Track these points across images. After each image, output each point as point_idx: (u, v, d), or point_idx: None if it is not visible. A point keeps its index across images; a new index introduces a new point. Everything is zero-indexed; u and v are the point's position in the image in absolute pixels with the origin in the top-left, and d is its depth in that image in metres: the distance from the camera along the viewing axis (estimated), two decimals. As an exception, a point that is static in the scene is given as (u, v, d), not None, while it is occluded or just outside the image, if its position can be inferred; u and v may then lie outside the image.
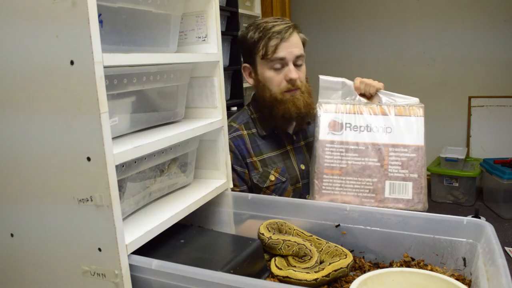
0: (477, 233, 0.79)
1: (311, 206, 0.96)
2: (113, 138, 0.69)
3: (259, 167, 1.24)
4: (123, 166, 0.75)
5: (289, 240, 0.86)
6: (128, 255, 0.69)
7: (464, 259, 0.81)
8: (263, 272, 0.83)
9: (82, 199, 0.67)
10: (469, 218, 0.81)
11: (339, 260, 0.80)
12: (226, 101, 1.96)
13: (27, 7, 0.65)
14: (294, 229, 0.92)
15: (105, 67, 0.63)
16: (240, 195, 1.01)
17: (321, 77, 1.16)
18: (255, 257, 0.82)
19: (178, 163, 0.94)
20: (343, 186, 1.05)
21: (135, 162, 0.78)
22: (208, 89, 0.99)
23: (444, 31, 3.63)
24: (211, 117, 1.00)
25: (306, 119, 1.27)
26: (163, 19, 0.87)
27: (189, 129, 0.87)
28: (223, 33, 2.70)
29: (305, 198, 1.29)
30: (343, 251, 0.85)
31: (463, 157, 3.37)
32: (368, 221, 0.89)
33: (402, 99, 1.12)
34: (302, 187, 1.29)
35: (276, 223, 0.92)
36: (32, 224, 0.75)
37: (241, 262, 0.78)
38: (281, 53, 1.20)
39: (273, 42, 1.20)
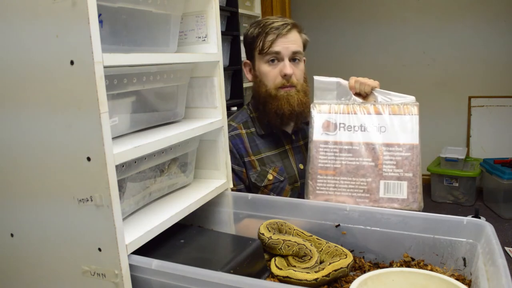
0: (477, 233, 0.79)
1: (311, 206, 0.96)
2: (113, 138, 0.69)
3: (257, 166, 1.25)
4: (123, 166, 0.75)
5: (289, 240, 0.86)
6: (128, 255, 0.69)
7: (464, 259, 0.81)
8: (263, 272, 0.83)
9: (82, 199, 0.67)
10: (469, 218, 0.81)
11: (339, 260, 0.80)
12: (226, 101, 1.96)
13: (27, 7, 0.65)
14: (294, 229, 0.92)
15: (105, 67, 0.63)
16: (240, 195, 1.01)
17: (316, 78, 1.16)
18: (255, 257, 0.82)
19: (178, 163, 0.94)
20: (337, 186, 1.05)
21: (135, 162, 0.78)
22: (208, 89, 0.99)
23: (444, 31, 3.63)
24: (211, 117, 1.00)
25: (301, 118, 1.28)
26: (163, 19, 0.87)
27: (189, 129, 0.87)
28: (223, 33, 2.70)
29: (304, 198, 1.30)
30: (343, 251, 0.85)
31: (463, 157, 3.37)
32: (368, 221, 0.89)
33: (398, 98, 1.11)
34: (301, 186, 1.29)
35: (276, 223, 0.92)
36: (32, 224, 0.75)
37: (241, 262, 0.78)
38: (277, 47, 1.21)
39: (270, 37, 1.22)
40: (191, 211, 0.87)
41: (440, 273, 0.76)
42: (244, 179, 1.24)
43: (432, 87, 3.73)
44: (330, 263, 0.79)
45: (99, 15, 0.62)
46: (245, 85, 2.93)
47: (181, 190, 0.97)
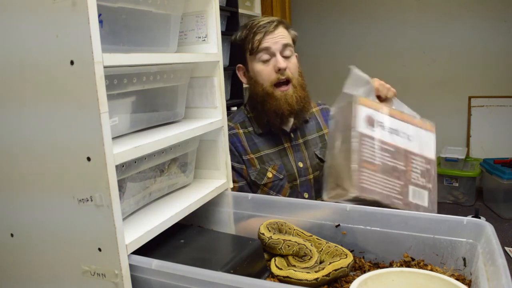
0: (477, 233, 0.79)
1: (311, 206, 0.96)
2: (113, 138, 0.69)
3: (256, 164, 1.25)
4: (123, 166, 0.75)
5: (290, 240, 0.86)
6: (128, 255, 0.69)
7: (464, 259, 0.81)
8: (263, 272, 0.83)
9: (82, 199, 0.67)
10: (469, 218, 0.81)
11: (339, 260, 0.80)
12: (226, 101, 1.96)
13: (27, 7, 0.65)
14: (294, 229, 0.92)
15: (105, 67, 0.63)
16: (240, 195, 1.01)
17: (354, 69, 1.13)
18: (255, 257, 0.82)
19: (178, 163, 0.94)
20: (378, 183, 1.00)
21: (135, 162, 0.78)
22: (208, 89, 0.99)
23: (444, 31, 3.62)
24: (211, 117, 1.00)
25: (302, 116, 1.27)
26: (163, 19, 0.87)
27: (189, 129, 0.87)
28: (223, 33, 2.68)
29: (303, 196, 1.30)
30: (343, 251, 0.85)
31: (463, 157, 3.37)
32: (368, 221, 0.89)
33: (410, 112, 1.11)
34: (300, 184, 1.29)
35: (276, 223, 0.92)
36: (32, 224, 0.75)
37: (241, 262, 0.78)
38: (266, 43, 1.22)
39: (258, 36, 1.23)
40: (191, 211, 0.87)
41: (440, 273, 0.76)
42: (245, 176, 1.25)
43: (432, 87, 3.72)
44: (330, 263, 0.79)
45: (99, 15, 0.62)
46: (245, 85, 2.93)
47: (181, 190, 0.97)
